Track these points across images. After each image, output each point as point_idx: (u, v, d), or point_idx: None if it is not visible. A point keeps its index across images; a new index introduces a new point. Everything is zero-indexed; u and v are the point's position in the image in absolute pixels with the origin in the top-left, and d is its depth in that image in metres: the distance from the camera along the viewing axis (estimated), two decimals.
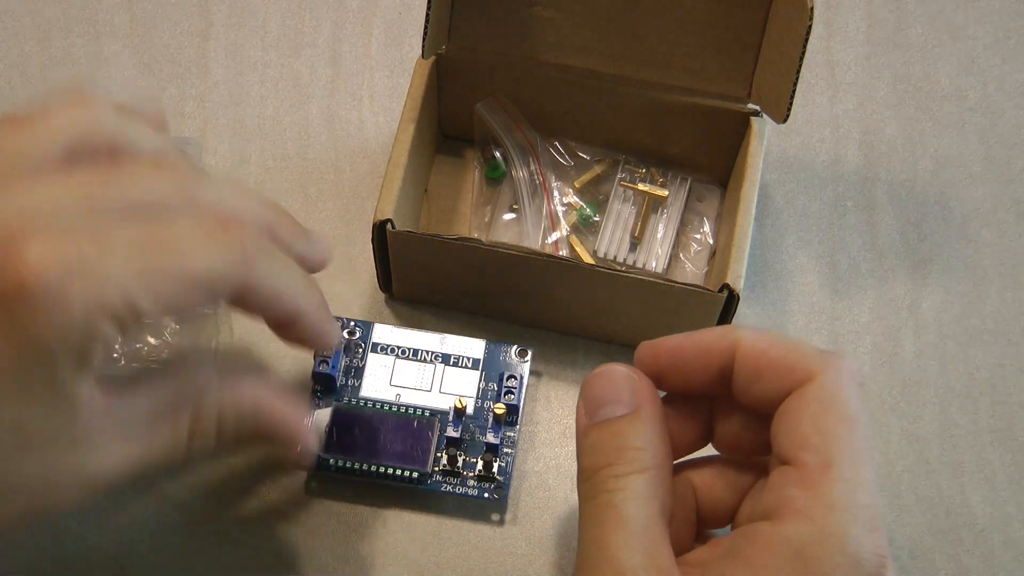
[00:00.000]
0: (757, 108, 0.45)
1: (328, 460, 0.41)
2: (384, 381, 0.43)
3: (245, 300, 0.33)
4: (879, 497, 0.35)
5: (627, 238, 0.47)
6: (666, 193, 0.47)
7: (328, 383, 0.43)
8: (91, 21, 0.53)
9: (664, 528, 0.32)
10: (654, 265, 0.47)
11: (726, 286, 0.41)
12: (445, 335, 0.44)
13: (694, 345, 0.35)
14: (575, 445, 0.35)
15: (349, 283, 0.48)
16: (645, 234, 0.47)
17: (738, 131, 0.46)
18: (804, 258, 0.48)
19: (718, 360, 0.34)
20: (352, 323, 0.44)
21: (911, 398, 0.46)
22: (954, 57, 0.53)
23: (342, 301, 0.47)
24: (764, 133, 0.45)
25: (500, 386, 0.43)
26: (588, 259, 0.47)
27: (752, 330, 0.34)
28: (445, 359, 0.44)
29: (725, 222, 0.46)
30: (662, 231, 0.47)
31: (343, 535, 0.43)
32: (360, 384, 0.43)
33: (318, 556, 0.42)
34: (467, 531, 0.43)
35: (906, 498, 0.44)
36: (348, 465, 0.41)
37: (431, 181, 0.50)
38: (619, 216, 0.48)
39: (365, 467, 0.41)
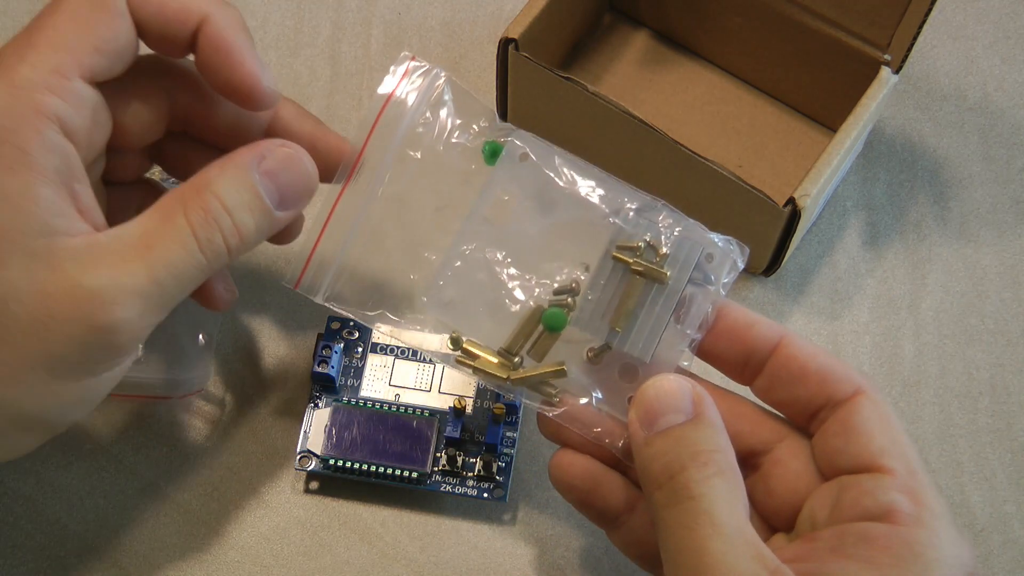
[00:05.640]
0: (889, 58, 0.45)
1: (328, 460, 0.42)
2: (383, 381, 0.43)
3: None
4: None
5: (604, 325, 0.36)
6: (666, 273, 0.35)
7: (328, 383, 0.43)
8: None
9: (752, 528, 0.32)
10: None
11: (791, 200, 0.41)
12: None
13: (743, 316, 0.35)
14: (635, 458, 0.34)
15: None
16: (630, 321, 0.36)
17: (863, 77, 0.45)
18: (804, 258, 0.48)
19: (756, 345, 0.35)
20: (351, 322, 0.44)
21: (911, 398, 0.46)
22: (954, 57, 0.53)
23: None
24: (889, 83, 0.44)
25: None
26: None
27: (798, 335, 0.35)
28: (445, 358, 0.44)
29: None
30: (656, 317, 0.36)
31: (343, 535, 0.43)
32: (360, 384, 0.43)
33: (318, 556, 0.42)
34: (466, 531, 0.43)
35: None
36: (348, 465, 0.41)
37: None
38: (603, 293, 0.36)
39: (365, 467, 0.41)
